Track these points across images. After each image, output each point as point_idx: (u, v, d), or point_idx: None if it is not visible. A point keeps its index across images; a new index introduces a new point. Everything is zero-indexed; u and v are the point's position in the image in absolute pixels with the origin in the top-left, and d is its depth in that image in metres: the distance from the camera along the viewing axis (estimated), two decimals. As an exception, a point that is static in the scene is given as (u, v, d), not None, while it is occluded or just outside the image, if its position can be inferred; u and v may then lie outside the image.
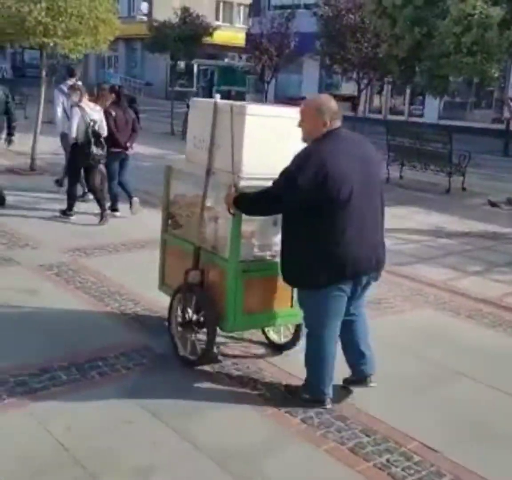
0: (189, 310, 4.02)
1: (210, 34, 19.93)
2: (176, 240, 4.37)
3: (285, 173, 3.37)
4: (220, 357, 4.10)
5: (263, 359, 4.16)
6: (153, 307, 4.94)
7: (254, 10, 27.89)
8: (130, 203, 7.96)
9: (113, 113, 7.73)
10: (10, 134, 8.07)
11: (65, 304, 4.95)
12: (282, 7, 24.26)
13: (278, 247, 3.68)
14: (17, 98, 19.74)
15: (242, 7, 40.46)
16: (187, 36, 18.88)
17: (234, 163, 3.73)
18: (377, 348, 3.80)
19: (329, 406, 3.56)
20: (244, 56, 27.52)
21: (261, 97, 18.22)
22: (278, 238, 3.69)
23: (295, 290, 3.71)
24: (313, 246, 3.40)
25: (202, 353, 3.95)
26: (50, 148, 12.27)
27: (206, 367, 3.97)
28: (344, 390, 3.73)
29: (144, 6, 36.88)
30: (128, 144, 7.85)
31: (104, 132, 7.38)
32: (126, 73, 40.08)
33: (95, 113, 7.31)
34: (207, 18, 21.27)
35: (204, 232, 4.03)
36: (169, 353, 4.14)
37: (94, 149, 7.18)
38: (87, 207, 8.06)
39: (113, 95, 7.91)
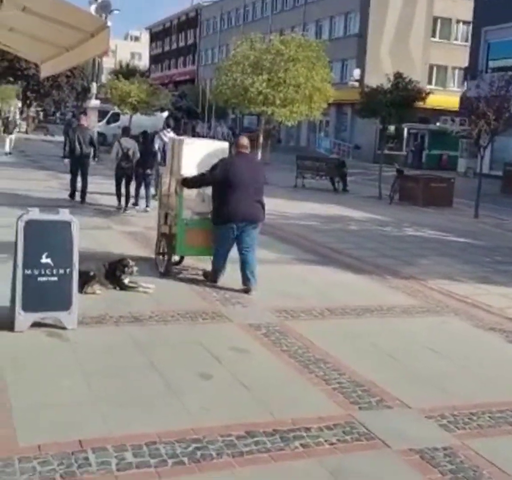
0: (161, 245, 7.67)
1: (423, 99, 19.86)
2: (161, 211, 7.92)
3: (212, 167, 6.98)
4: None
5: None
6: (358, 379, 4.82)
7: (471, 73, 27.34)
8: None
9: (139, 147, 12.71)
10: (95, 156, 13.69)
11: (272, 367, 5.02)
12: (502, 69, 23.48)
13: (206, 214, 7.26)
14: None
15: (456, 71, 39.96)
16: (398, 101, 18.98)
17: (179, 168, 7.32)
18: None
19: (219, 283, 7.16)
20: (457, 120, 26.93)
21: (476, 162, 17.54)
22: (205, 209, 7.24)
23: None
24: (218, 204, 6.99)
25: (166, 267, 7.51)
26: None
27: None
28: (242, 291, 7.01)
29: (356, 72, 38.02)
30: (148, 167, 12.68)
31: (137, 156, 12.39)
32: (336, 136, 41.36)
33: (129, 144, 12.44)
34: (419, 83, 21.28)
35: (170, 205, 7.59)
36: (375, 432, 3.97)
37: (123, 164, 12.31)
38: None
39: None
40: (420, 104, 19.93)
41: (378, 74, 26.85)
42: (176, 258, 7.84)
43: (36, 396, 4.18)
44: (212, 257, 7.25)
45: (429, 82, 38.10)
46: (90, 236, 8.40)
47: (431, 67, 40.84)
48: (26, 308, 5.18)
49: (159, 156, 12.57)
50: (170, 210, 7.57)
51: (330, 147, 38.72)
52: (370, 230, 12.72)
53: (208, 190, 7.16)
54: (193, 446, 3.66)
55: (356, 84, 35.63)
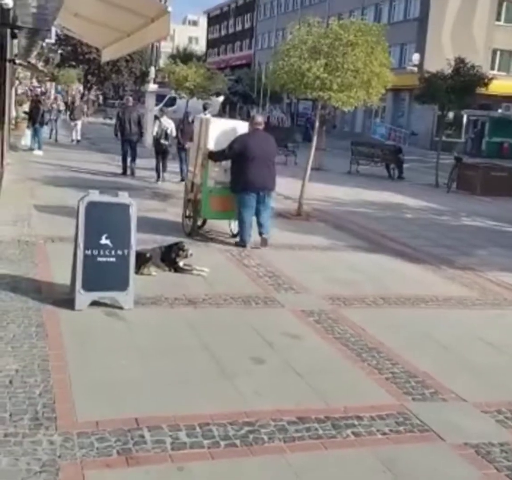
0: (187, 210, 8.88)
1: (485, 85, 19.24)
2: (188, 181, 9.24)
3: (231, 142, 8.12)
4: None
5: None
6: (411, 369, 4.77)
7: (536, 58, 26.32)
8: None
9: (180, 126, 14.34)
10: (141, 135, 15.42)
11: (324, 354, 5.02)
12: None
13: (227, 184, 8.40)
14: (290, 145, 21.05)
15: (521, 55, 38.56)
16: (459, 87, 18.43)
17: (206, 143, 8.39)
18: None
19: (248, 247, 8.17)
20: (519, 107, 26.03)
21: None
22: (226, 179, 8.38)
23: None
24: (235, 174, 8.19)
25: (191, 228, 8.69)
26: (317, 195, 12.83)
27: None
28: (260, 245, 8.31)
29: (416, 57, 37.09)
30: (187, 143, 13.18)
31: (173, 134, 14.02)
32: (392, 122, 40.59)
33: (168, 124, 14.03)
34: (481, 68, 20.61)
35: (197, 175, 8.64)
36: (429, 424, 3.92)
37: (163, 141, 13.90)
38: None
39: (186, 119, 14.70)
40: (481, 90, 19.31)
41: (438, 58, 26.11)
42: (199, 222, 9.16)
43: (94, 373, 4.30)
44: (237, 223, 8.48)
45: (492, 67, 36.89)
46: (147, 218, 8.54)
47: (494, 52, 39.48)
48: (85, 287, 5.32)
49: None
50: (195, 179, 8.66)
51: (385, 133, 38.08)
52: (425, 218, 12.49)
53: (229, 163, 8.32)
54: (246, 429, 3.71)
55: (415, 69, 34.77)
